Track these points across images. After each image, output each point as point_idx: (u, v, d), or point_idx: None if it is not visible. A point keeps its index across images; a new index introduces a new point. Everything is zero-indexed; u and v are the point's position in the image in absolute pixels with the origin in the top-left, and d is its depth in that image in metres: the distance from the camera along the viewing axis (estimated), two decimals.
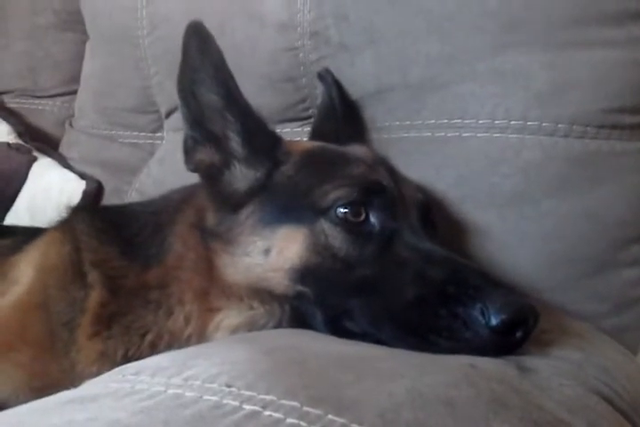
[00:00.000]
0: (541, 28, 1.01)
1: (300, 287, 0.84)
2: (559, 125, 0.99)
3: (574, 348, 0.82)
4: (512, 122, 1.02)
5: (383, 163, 0.96)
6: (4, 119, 1.73)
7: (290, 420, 0.49)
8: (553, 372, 0.72)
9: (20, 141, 1.68)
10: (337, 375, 0.58)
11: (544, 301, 0.98)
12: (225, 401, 0.51)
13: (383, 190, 0.88)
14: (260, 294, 0.87)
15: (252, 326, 0.86)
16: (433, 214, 0.95)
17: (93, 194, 1.55)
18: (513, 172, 1.01)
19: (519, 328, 0.73)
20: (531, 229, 1.01)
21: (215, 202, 0.93)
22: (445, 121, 1.08)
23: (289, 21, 1.24)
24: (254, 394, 0.52)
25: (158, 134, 1.57)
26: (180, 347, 0.81)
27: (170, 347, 0.86)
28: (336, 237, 0.85)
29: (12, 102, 1.82)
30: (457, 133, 1.06)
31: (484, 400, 0.58)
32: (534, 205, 1.00)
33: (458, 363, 0.67)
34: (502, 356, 0.73)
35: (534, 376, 0.69)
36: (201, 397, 0.52)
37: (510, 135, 1.02)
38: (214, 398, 0.52)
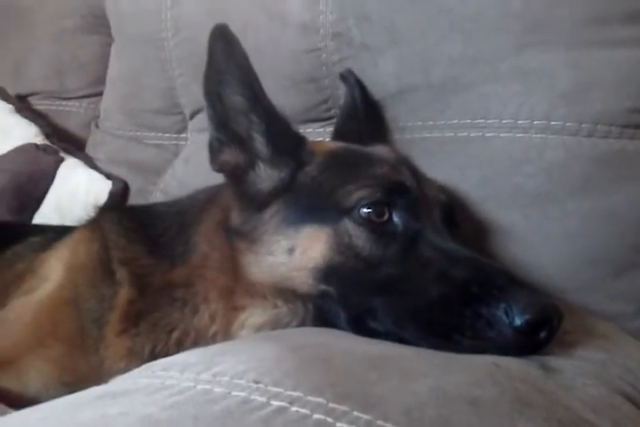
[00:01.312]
0: (565, 28, 1.01)
1: (323, 286, 0.85)
2: (583, 125, 0.99)
3: (598, 348, 0.82)
4: (535, 122, 1.02)
5: (406, 163, 0.96)
6: (32, 121, 1.75)
7: (316, 416, 0.50)
8: (577, 372, 0.72)
9: (48, 142, 1.71)
10: (362, 373, 0.58)
11: (568, 301, 0.98)
12: (253, 397, 0.52)
13: (406, 191, 0.89)
14: (284, 292, 0.88)
15: (275, 325, 0.87)
16: (456, 215, 0.95)
17: (120, 194, 1.57)
18: (536, 172, 1.01)
19: (543, 328, 0.73)
20: (554, 229, 1.00)
21: (240, 202, 0.94)
22: (468, 121, 1.08)
23: (311, 23, 1.24)
24: (281, 390, 0.53)
25: (183, 135, 1.59)
26: (205, 344, 0.82)
27: (196, 344, 0.87)
28: (359, 237, 0.85)
29: (39, 104, 1.85)
30: (480, 133, 1.06)
31: (508, 400, 0.58)
32: (558, 205, 1.00)
33: (482, 362, 0.67)
34: (526, 356, 0.73)
35: (558, 376, 0.69)
36: (229, 393, 0.53)
37: (534, 135, 1.02)
38: (242, 393, 0.53)
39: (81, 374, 0.88)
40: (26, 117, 1.76)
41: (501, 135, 1.04)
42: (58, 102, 1.84)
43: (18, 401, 0.80)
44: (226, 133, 0.94)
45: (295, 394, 0.52)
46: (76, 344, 0.91)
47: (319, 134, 1.28)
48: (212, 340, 0.88)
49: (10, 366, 0.89)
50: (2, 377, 0.87)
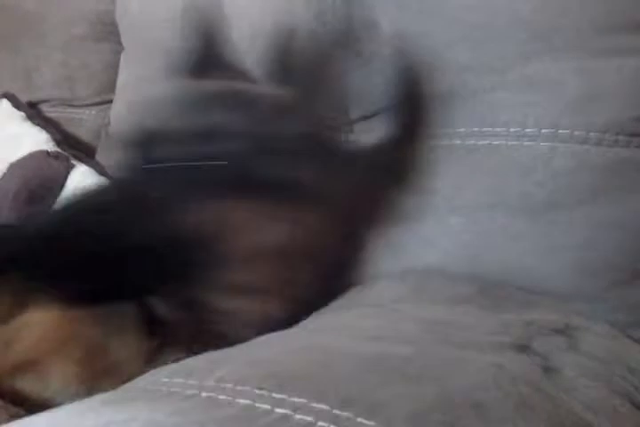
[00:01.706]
0: (573, 36, 1.01)
1: None
2: (591, 134, 0.99)
3: (601, 347, 0.81)
4: (543, 130, 1.02)
5: None
6: (43, 128, 1.76)
7: (320, 423, 0.50)
8: (578, 372, 0.71)
9: (59, 149, 1.71)
10: (365, 377, 0.58)
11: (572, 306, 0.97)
12: (257, 404, 0.52)
13: None
14: None
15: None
16: None
17: None
18: (544, 180, 1.01)
19: None
20: (561, 238, 1.00)
21: None
22: (476, 129, 1.08)
23: (319, 31, 1.25)
24: (285, 397, 0.53)
25: None
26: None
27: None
28: None
29: (49, 111, 1.86)
30: (487, 142, 1.06)
31: (512, 404, 0.58)
32: (565, 214, 1.00)
33: (485, 363, 0.66)
34: None
35: (558, 376, 0.68)
36: (233, 399, 0.53)
37: (541, 143, 1.01)
38: (246, 400, 0.53)
39: (102, 376, 0.88)
40: (37, 125, 1.77)
41: (509, 143, 1.04)
42: (69, 110, 1.84)
43: (35, 405, 0.81)
44: None
45: (299, 401, 0.52)
46: (98, 350, 0.92)
47: None
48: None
49: (33, 367, 0.89)
50: (24, 377, 0.88)
